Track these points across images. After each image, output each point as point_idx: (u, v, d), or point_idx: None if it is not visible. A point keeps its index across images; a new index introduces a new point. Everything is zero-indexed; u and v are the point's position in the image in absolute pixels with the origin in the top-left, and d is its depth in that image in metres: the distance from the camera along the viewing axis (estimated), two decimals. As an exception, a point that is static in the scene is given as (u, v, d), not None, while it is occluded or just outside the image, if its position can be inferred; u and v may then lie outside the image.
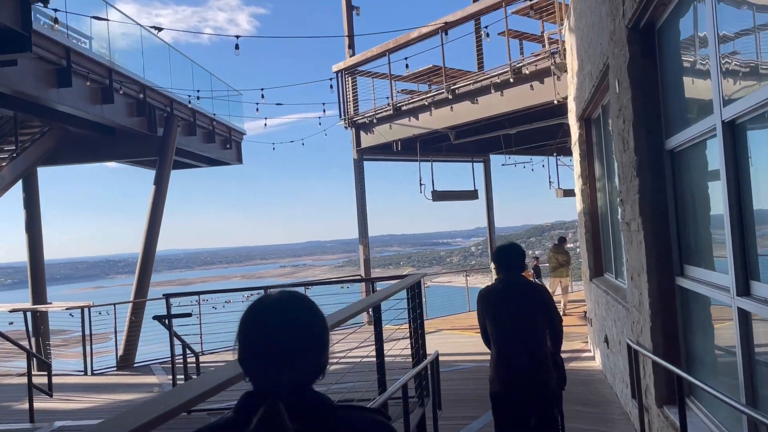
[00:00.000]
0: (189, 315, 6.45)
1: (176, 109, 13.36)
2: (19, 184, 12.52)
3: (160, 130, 12.75)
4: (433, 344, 11.84)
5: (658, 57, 4.80)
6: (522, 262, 4.42)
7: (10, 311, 11.17)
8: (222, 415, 1.41)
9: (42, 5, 7.61)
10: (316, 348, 1.38)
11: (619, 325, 6.61)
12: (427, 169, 14.72)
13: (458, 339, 12.30)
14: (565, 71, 10.07)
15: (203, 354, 10.46)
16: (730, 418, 3.88)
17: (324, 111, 13.43)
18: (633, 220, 5.18)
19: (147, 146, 12.80)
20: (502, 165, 16.64)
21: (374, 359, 5.15)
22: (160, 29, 9.72)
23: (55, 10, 8.72)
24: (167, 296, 6.51)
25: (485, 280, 17.30)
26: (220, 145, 16.22)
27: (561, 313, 13.87)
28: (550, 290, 14.71)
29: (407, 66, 12.13)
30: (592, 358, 9.26)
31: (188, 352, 6.70)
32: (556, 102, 10.40)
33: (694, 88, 4.29)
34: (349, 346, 4.92)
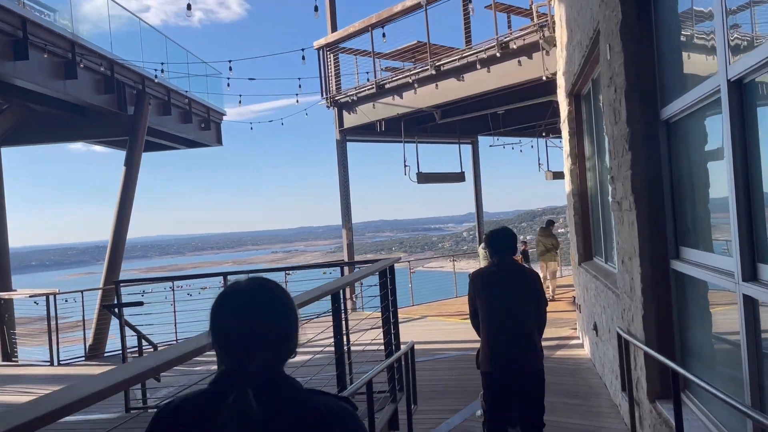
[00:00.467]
0: (140, 304, 5.98)
1: (148, 86, 12.74)
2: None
3: (130, 109, 12.14)
4: (417, 332, 11.49)
5: (654, 16, 4.33)
6: (514, 246, 4.46)
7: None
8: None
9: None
10: (284, 333, 1.42)
11: (609, 312, 6.20)
12: (412, 151, 14.23)
13: (443, 326, 11.91)
14: (554, 45, 9.59)
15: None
16: (730, 415, 3.47)
17: (299, 86, 12.91)
18: (624, 199, 4.73)
19: (117, 126, 12.19)
20: (490, 146, 16.20)
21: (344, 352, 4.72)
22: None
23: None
24: (117, 283, 6.01)
25: (474, 265, 16.91)
26: (198, 125, 15.63)
27: (550, 298, 13.63)
28: (541, 273, 14.34)
29: (384, 36, 11.51)
30: (581, 346, 8.87)
31: (145, 343, 6.24)
32: (544, 78, 9.92)
33: (694, 48, 3.83)
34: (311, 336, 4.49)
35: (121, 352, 10.93)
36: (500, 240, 4.34)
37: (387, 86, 12.98)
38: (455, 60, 11.40)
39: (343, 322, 3.94)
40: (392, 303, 4.96)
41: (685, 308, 4.24)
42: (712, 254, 3.59)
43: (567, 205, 9.40)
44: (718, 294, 3.69)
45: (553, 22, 9.52)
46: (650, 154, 4.36)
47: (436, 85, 11.95)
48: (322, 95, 14.25)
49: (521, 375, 4.18)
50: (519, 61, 10.39)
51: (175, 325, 10.90)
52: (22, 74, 9.18)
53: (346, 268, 9.98)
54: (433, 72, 11.72)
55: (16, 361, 10.74)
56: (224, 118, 17.16)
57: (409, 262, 15.74)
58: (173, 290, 11.70)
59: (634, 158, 4.44)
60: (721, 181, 3.39)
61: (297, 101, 13.26)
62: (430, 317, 12.99)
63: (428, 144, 16.44)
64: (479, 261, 15.28)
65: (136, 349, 6.62)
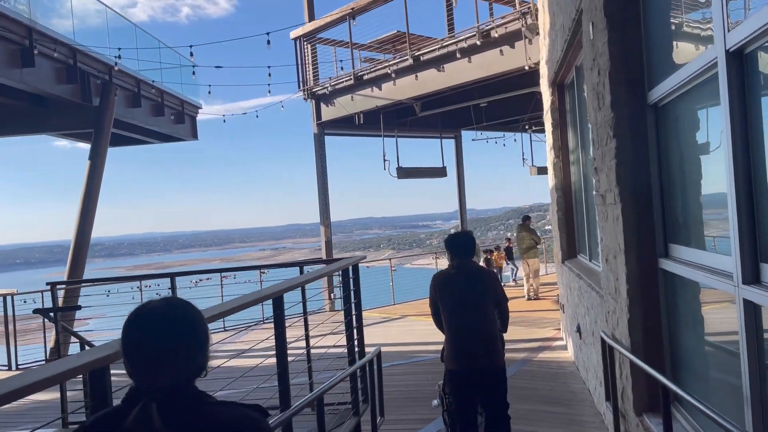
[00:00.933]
0: (78, 308, 5.49)
1: (115, 77, 12.16)
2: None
3: (96, 100, 11.57)
4: (394, 332, 11.05)
5: (641, -13, 3.91)
6: (473, 249, 4.59)
7: None
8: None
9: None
10: (191, 350, 1.46)
11: (593, 314, 5.80)
12: (392, 145, 13.79)
13: (423, 326, 11.47)
14: (537, 33, 9.18)
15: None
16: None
17: (269, 75, 12.38)
18: (609, 191, 4.32)
19: (82, 117, 11.62)
20: (473, 140, 15.79)
21: (305, 360, 4.27)
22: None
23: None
24: (53, 285, 5.48)
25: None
26: (171, 119, 15.06)
27: (533, 297, 13.22)
28: (522, 273, 13.96)
29: (352, 19, 10.94)
30: (564, 348, 8.48)
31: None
32: (527, 68, 9.51)
33: (686, 23, 3.41)
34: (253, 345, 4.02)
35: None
36: (459, 243, 4.50)
37: (365, 77, 12.51)
38: (435, 50, 10.96)
39: (295, 329, 3.46)
40: (356, 306, 4.51)
41: (676, 312, 3.84)
42: (707, 253, 3.18)
43: (550, 200, 9.00)
44: (712, 296, 3.29)
45: (536, 10, 9.11)
46: (637, 141, 3.95)
47: (416, 76, 11.50)
48: (299, 87, 13.76)
49: (484, 372, 4.31)
50: (501, 51, 9.96)
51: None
52: (-30, 61, 8.61)
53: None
54: (412, 62, 11.28)
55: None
56: (201, 112, 16.61)
57: (390, 260, 15.29)
58: (141, 290, 11.20)
59: (619, 146, 4.03)
60: (716, 170, 2.99)
61: (269, 92, 12.75)
62: (410, 317, 12.57)
63: (409, 138, 16.00)
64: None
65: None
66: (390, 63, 11.85)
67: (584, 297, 6.36)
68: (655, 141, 3.90)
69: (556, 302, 11.56)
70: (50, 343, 10.74)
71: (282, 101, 13.92)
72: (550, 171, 8.65)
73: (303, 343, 4.89)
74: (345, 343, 4.83)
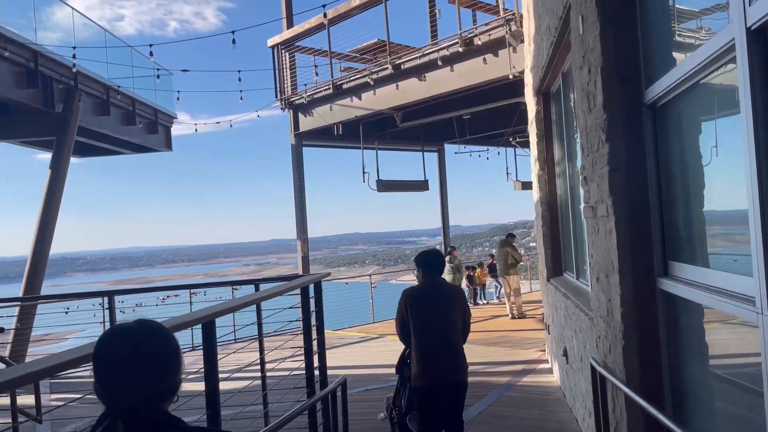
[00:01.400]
0: (1, 330, 4.95)
1: (82, 82, 11.60)
2: None
3: (59, 106, 11.00)
4: (371, 353, 10.50)
5: (637, -28, 3.49)
6: (442, 266, 4.78)
7: None
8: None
9: None
10: (161, 370, 1.47)
11: (581, 338, 5.33)
12: (372, 158, 13.33)
13: (401, 347, 10.93)
14: (522, 41, 8.80)
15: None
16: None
17: (239, 80, 11.88)
18: (600, 202, 3.87)
19: (44, 125, 11.03)
20: (456, 153, 15.39)
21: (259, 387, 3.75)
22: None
23: None
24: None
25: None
26: (144, 128, 14.49)
27: (517, 316, 12.73)
28: (505, 290, 13.51)
29: (331, 25, 10.51)
30: (550, 371, 8.00)
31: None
32: (511, 77, 9.13)
33: (690, 7, 3.00)
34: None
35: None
36: (429, 261, 4.63)
37: (344, 86, 12.07)
38: (416, 58, 10.56)
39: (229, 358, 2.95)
40: (318, 330, 4.00)
41: (677, 338, 3.37)
42: (719, 272, 2.72)
43: (535, 214, 8.57)
44: (720, 321, 2.84)
45: (521, 16, 8.74)
46: (632, 145, 3.51)
47: (397, 85, 11.09)
48: (276, 96, 13.28)
49: (453, 388, 4.44)
50: (484, 59, 9.58)
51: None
52: None
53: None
54: (393, 71, 10.87)
55: None
56: (176, 122, 16.05)
57: (369, 275, 14.77)
58: (103, 307, 10.57)
59: (612, 151, 3.59)
60: (726, 176, 2.55)
61: (241, 98, 12.27)
62: (390, 336, 12.02)
63: (391, 151, 15.58)
64: (444, 274, 14.40)
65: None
66: (370, 72, 11.42)
67: (571, 318, 5.90)
68: (652, 145, 3.46)
69: (542, 321, 11.10)
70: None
71: (258, 111, 13.44)
72: (535, 184, 8.23)
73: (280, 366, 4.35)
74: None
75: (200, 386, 2.96)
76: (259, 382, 4.31)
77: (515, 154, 15.87)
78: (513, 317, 12.86)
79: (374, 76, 11.27)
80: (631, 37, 3.54)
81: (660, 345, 3.49)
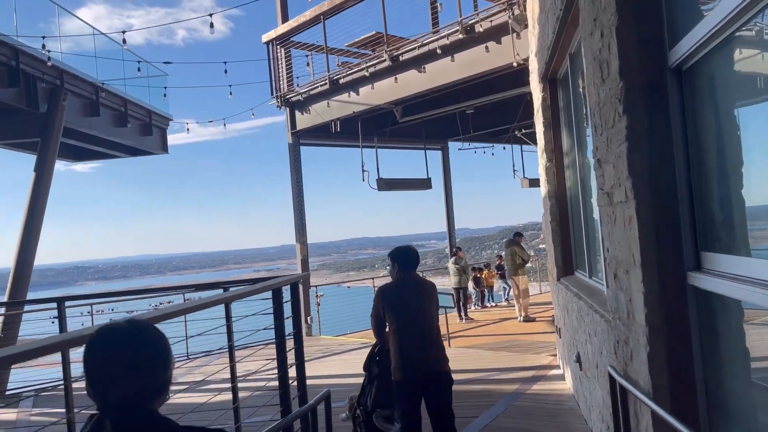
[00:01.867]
0: None
1: (68, 82, 11.16)
2: None
3: (44, 106, 10.56)
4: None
5: None
6: (416, 261, 4.78)
7: None
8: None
9: None
10: (151, 367, 1.49)
11: (596, 342, 4.79)
12: (372, 156, 12.82)
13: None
14: (525, 26, 8.29)
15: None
16: None
17: (225, 72, 11.41)
18: (617, 186, 3.34)
19: (27, 125, 10.58)
20: (459, 149, 14.87)
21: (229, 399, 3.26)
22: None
23: None
24: None
25: (444, 280, 15.51)
26: (138, 130, 14.04)
27: (525, 318, 12.18)
28: (513, 291, 12.96)
29: (326, 19, 9.97)
30: (562, 378, 7.45)
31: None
32: (515, 64, 8.61)
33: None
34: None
35: (31, 388, 9.12)
36: (404, 257, 4.66)
37: (342, 81, 11.57)
38: (415, 48, 10.05)
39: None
40: (296, 339, 3.49)
41: (714, 344, 2.84)
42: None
43: (543, 210, 8.03)
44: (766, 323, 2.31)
45: (524, 0, 8.22)
46: (655, 116, 2.98)
47: (395, 78, 10.58)
48: (271, 93, 12.80)
49: (437, 379, 4.45)
50: (486, 47, 9.06)
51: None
52: None
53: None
54: (391, 63, 10.36)
55: None
56: (170, 124, 15.60)
57: (373, 279, 14.24)
58: (92, 315, 10.14)
59: (630, 125, 3.06)
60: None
61: (230, 93, 11.78)
62: (393, 342, 11.48)
63: (392, 150, 15.07)
64: (450, 276, 13.86)
65: None
66: (367, 65, 10.91)
67: (585, 321, 5.35)
68: (679, 116, 2.93)
69: (552, 323, 10.54)
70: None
71: (252, 109, 12.96)
72: (543, 177, 7.69)
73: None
74: (292, 382, 3.79)
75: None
76: (225, 396, 3.82)
77: (521, 150, 15.32)
78: (522, 320, 12.31)
79: (371, 69, 10.77)
80: (652, -11, 3.02)
81: (692, 351, 2.96)
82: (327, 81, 11.67)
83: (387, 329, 4.62)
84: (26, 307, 9.65)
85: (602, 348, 4.49)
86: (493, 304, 16.44)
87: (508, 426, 5.80)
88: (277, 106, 12.80)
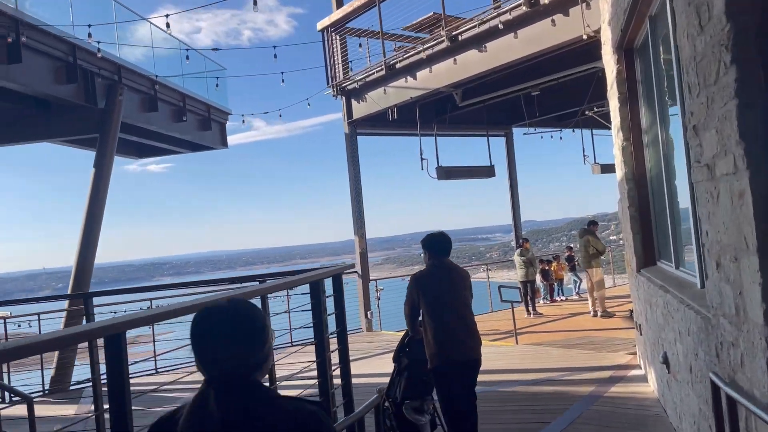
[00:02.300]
0: None
1: (125, 77, 11.20)
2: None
3: (102, 102, 10.61)
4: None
5: None
6: (449, 247, 4.77)
7: None
8: None
9: None
10: (250, 342, 1.59)
11: (689, 343, 4.15)
12: (431, 144, 12.29)
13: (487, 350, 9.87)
14: (597, -7, 7.56)
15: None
16: None
17: (275, 56, 11.10)
18: (723, 155, 2.74)
19: (85, 121, 10.67)
20: (524, 134, 14.13)
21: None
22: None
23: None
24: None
25: (510, 274, 14.84)
26: (197, 125, 14.05)
27: (600, 313, 11.41)
28: (586, 284, 12.18)
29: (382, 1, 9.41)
30: (644, 379, 6.75)
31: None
32: (585, 37, 7.91)
33: None
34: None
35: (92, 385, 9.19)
36: (436, 243, 4.70)
37: (398, 66, 11.11)
38: (474, 26, 9.45)
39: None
40: (340, 338, 3.07)
41: None
42: None
43: (619, 195, 7.32)
44: None
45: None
46: (774, 63, 2.37)
47: (454, 59, 10.01)
48: (327, 83, 12.49)
49: (470, 365, 4.51)
50: (552, 20, 8.38)
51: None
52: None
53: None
54: (449, 44, 9.80)
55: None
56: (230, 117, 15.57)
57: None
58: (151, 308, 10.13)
59: (741, 77, 2.47)
60: None
61: (282, 81, 11.54)
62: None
63: (452, 137, 14.47)
64: (516, 269, 13.19)
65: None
66: (424, 47, 10.40)
67: (673, 317, 4.70)
68: (807, 61, 2.31)
69: (629, 318, 9.75)
70: (52, 372, 9.82)
71: (308, 99, 12.68)
72: (619, 158, 6.99)
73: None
74: (337, 387, 3.37)
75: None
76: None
77: (592, 134, 14.40)
78: (596, 315, 11.51)
79: (429, 51, 10.25)
80: None
81: (828, 359, 2.34)
82: (383, 66, 11.23)
83: (420, 318, 4.61)
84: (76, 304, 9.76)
85: (698, 349, 3.86)
86: (564, 298, 15.62)
87: (586, 434, 5.21)
88: (333, 96, 12.49)
